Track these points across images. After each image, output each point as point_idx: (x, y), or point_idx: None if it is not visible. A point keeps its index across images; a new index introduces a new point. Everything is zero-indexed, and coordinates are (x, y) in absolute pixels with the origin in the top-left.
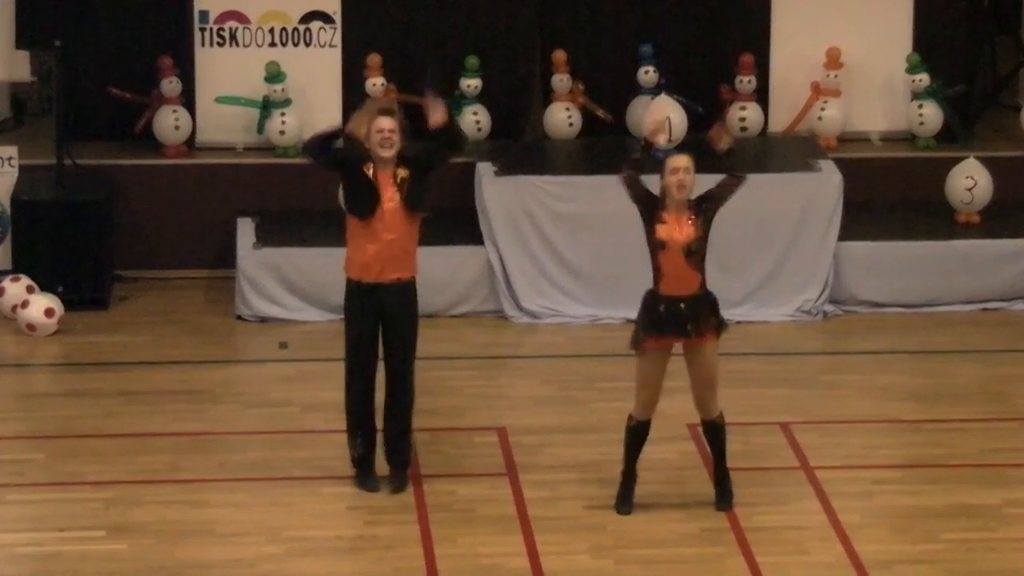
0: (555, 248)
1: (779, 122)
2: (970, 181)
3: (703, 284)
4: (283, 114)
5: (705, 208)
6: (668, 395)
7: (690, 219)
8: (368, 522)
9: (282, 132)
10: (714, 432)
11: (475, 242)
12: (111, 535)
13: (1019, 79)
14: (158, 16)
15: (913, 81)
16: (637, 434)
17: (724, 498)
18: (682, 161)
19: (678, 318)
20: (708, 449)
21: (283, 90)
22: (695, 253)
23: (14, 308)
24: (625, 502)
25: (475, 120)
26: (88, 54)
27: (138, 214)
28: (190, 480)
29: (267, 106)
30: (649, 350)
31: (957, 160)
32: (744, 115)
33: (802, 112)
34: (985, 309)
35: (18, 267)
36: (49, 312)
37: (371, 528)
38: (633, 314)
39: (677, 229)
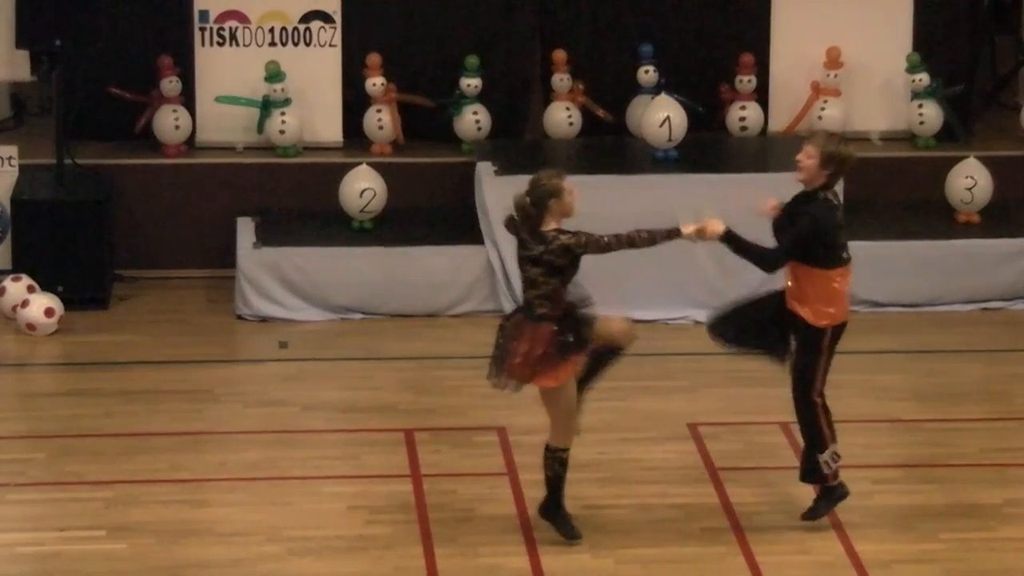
0: None
1: (779, 122)
2: (970, 181)
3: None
4: (283, 114)
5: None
6: (668, 395)
7: None
8: (368, 522)
9: (282, 132)
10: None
11: (475, 242)
12: (111, 535)
13: (1019, 79)
14: (158, 16)
15: (913, 81)
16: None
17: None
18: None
19: None
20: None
21: (283, 90)
22: None
23: (14, 308)
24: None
25: (475, 120)
26: (88, 54)
27: (138, 214)
28: (190, 480)
29: (267, 106)
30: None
31: (957, 160)
32: (744, 115)
33: (802, 112)
34: (985, 309)
35: (18, 267)
36: (49, 312)
37: (371, 528)
38: (633, 314)
39: None
